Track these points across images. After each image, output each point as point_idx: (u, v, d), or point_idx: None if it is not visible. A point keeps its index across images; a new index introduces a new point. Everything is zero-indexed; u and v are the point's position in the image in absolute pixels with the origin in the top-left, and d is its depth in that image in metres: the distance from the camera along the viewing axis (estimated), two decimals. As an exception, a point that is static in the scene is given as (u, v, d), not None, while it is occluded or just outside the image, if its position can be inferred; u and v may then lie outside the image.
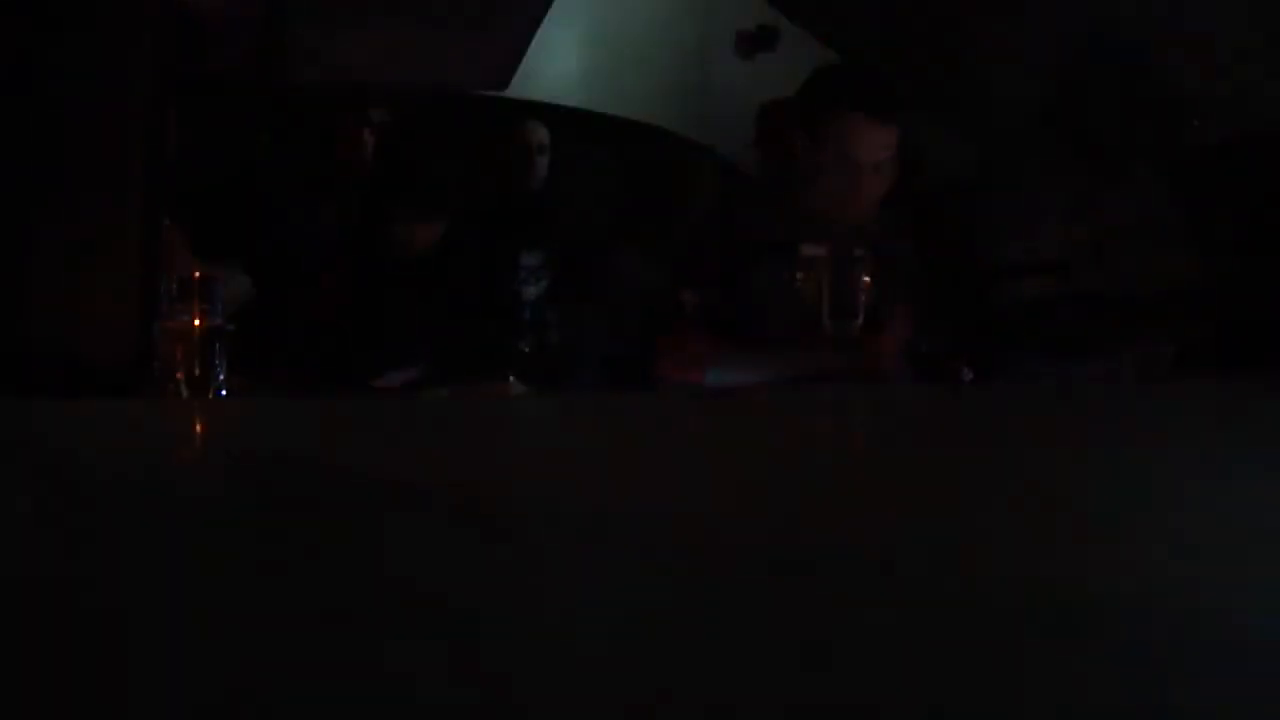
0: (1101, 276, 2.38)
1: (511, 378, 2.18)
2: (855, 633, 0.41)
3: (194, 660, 0.37)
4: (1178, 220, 2.44)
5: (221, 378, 1.44)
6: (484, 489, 0.71)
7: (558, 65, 3.77)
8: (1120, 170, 2.45)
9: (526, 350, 2.67)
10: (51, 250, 1.87)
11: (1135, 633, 0.42)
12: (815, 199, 2.10)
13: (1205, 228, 2.45)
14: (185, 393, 1.42)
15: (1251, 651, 0.39)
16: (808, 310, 2.02)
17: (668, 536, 0.57)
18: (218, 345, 1.45)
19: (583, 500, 0.67)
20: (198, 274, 1.49)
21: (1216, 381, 1.78)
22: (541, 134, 3.25)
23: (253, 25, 3.19)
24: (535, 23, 3.62)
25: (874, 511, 0.65)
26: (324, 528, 0.58)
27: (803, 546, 0.55)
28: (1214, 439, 0.99)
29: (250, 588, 0.46)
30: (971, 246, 2.53)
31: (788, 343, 2.03)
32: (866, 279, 2.05)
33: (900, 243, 2.19)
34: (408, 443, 0.95)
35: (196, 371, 1.43)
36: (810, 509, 0.65)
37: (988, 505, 0.68)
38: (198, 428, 1.10)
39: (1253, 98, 2.87)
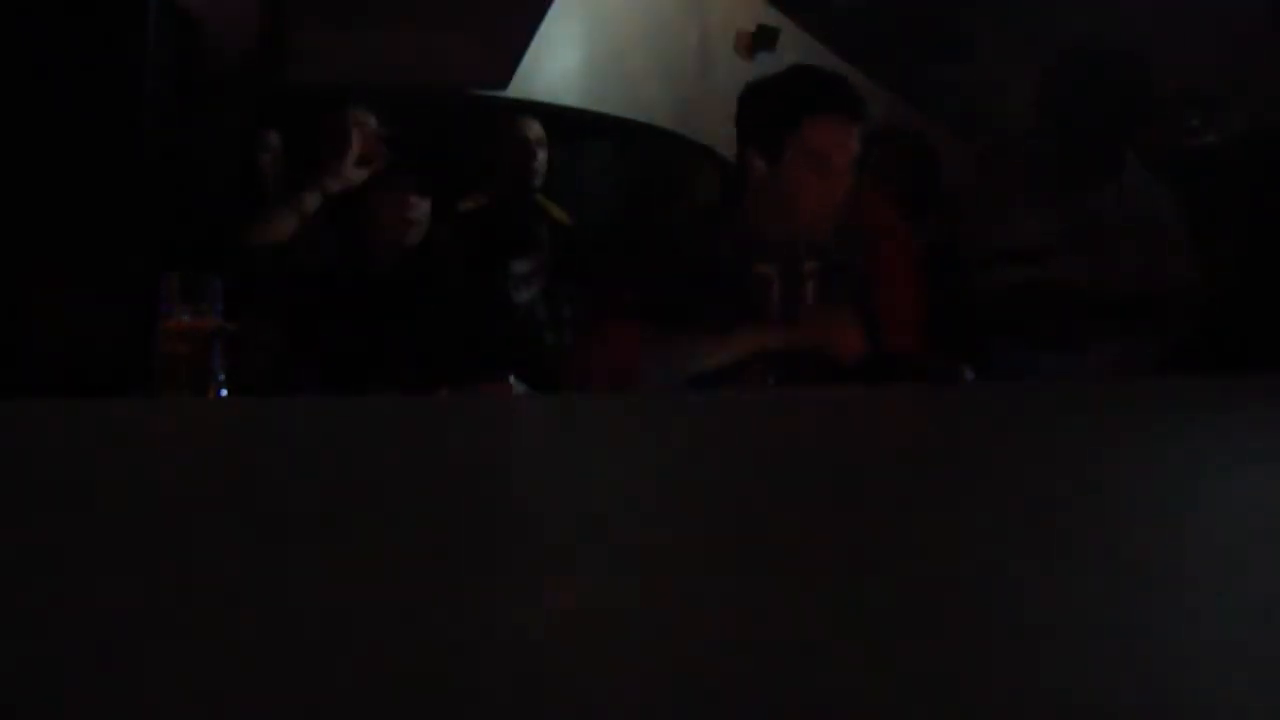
0: (1080, 269, 2.39)
1: (511, 378, 2.19)
2: (855, 633, 0.41)
3: (192, 661, 0.37)
4: (1172, 219, 2.45)
5: (221, 378, 1.44)
6: (484, 489, 0.71)
7: (558, 65, 3.77)
8: (1109, 166, 2.45)
9: (526, 351, 2.68)
10: (51, 251, 1.87)
11: (1132, 634, 0.42)
12: (784, 210, 2.07)
13: (1204, 227, 2.46)
14: (185, 393, 1.42)
15: (1249, 653, 0.39)
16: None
17: (668, 537, 0.57)
18: (218, 345, 1.45)
19: (582, 500, 0.67)
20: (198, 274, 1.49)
21: (1217, 381, 1.78)
22: (539, 132, 3.25)
23: (253, 25, 3.19)
24: (535, 23, 3.62)
25: (874, 511, 0.65)
26: (324, 528, 0.58)
27: (803, 546, 0.55)
28: (1211, 438, 0.99)
29: (250, 588, 0.46)
30: (955, 235, 2.54)
31: (731, 325, 2.02)
32: (813, 290, 2.06)
33: (851, 248, 2.18)
34: (407, 443, 0.95)
35: (196, 371, 1.43)
36: (810, 508, 0.65)
37: (987, 506, 0.68)
38: (197, 428, 1.10)
39: (1253, 98, 2.87)
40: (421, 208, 2.38)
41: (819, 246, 2.11)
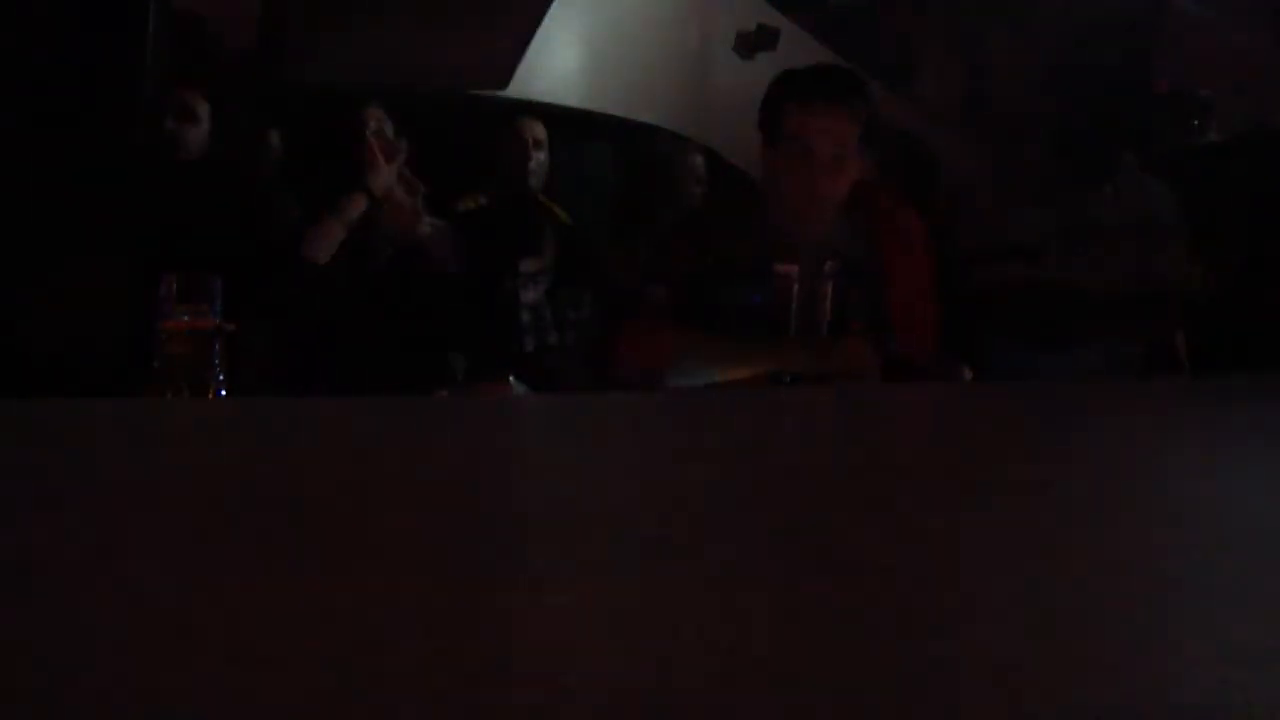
0: (1073, 268, 2.39)
1: (511, 378, 2.19)
2: (855, 633, 0.41)
3: (192, 658, 0.37)
4: (1171, 219, 2.45)
5: (221, 378, 1.44)
6: (484, 489, 0.71)
7: (558, 65, 3.77)
8: (1107, 167, 2.45)
9: (527, 351, 2.67)
10: (51, 251, 1.87)
11: (1132, 634, 0.42)
12: (779, 204, 2.07)
13: (1204, 227, 2.46)
14: (185, 393, 1.42)
15: (1249, 648, 0.39)
16: (777, 324, 2.02)
17: (667, 537, 0.57)
18: (218, 345, 1.44)
19: (583, 500, 0.67)
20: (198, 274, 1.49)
21: (1217, 381, 1.78)
22: (539, 132, 3.24)
23: (253, 25, 3.19)
24: (535, 23, 3.62)
25: (874, 511, 0.65)
26: (323, 528, 0.58)
27: (802, 546, 0.55)
28: (1212, 438, 0.99)
29: (249, 588, 0.46)
30: (953, 235, 2.54)
31: (755, 341, 2.01)
32: (831, 290, 2.06)
33: (868, 250, 2.17)
34: (408, 443, 0.95)
35: (196, 371, 1.43)
36: (810, 509, 0.65)
37: (987, 506, 0.68)
38: (197, 428, 1.10)
39: (1253, 98, 2.87)
40: (422, 197, 2.42)
41: (836, 245, 2.10)
